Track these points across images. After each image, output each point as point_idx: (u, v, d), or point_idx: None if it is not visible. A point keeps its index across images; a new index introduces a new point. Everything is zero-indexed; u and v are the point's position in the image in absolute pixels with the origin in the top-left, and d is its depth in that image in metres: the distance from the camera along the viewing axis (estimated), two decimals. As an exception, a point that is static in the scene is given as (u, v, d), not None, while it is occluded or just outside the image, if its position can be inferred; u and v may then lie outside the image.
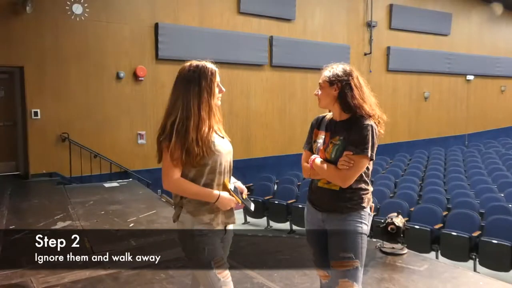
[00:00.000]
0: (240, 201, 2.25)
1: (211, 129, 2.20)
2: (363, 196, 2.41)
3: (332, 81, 2.41)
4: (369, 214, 2.46)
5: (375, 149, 2.38)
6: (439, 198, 7.54)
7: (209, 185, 2.20)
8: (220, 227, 2.24)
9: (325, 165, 2.40)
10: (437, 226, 6.36)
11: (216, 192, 2.19)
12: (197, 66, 2.21)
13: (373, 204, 2.55)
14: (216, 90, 2.24)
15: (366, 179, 2.44)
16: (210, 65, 2.23)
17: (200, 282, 2.26)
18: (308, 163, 2.50)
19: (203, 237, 2.16)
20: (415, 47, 14.71)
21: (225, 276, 2.19)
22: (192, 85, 2.17)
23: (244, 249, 4.66)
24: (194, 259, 2.19)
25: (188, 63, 2.24)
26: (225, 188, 2.24)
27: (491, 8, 15.83)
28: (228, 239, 2.33)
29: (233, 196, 2.23)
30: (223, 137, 2.28)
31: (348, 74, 2.44)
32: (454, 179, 9.50)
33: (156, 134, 2.24)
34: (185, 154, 2.11)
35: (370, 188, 2.49)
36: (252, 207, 2.32)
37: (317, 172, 2.44)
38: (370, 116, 2.40)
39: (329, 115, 2.58)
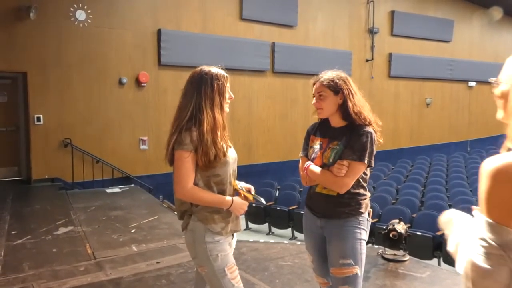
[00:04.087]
0: (252, 198, 2.27)
1: (226, 131, 2.22)
2: (361, 201, 2.40)
3: (337, 90, 2.39)
4: (367, 219, 2.45)
5: (374, 155, 2.37)
6: (441, 204, 7.52)
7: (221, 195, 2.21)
8: (230, 235, 2.25)
9: (320, 171, 2.39)
10: (439, 233, 6.33)
11: (229, 198, 2.19)
12: (209, 70, 2.21)
13: (371, 210, 2.54)
14: (227, 95, 2.24)
15: (364, 184, 2.44)
16: (222, 71, 2.25)
17: None
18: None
19: (215, 244, 2.16)
20: (417, 54, 14.76)
21: (238, 282, 2.21)
22: (204, 88, 2.16)
23: (246, 255, 4.66)
24: (207, 267, 2.17)
25: (199, 68, 2.24)
26: (234, 190, 2.25)
27: (491, 13, 15.88)
28: (233, 245, 2.34)
29: (244, 195, 2.25)
30: (230, 146, 2.28)
31: (347, 82, 2.44)
32: (456, 185, 9.49)
33: (166, 139, 2.22)
34: (203, 158, 2.09)
35: (368, 194, 2.49)
36: (263, 200, 2.35)
37: (313, 178, 2.43)
38: (369, 124, 2.41)
39: (324, 121, 2.55)
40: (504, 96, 1.19)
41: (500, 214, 1.05)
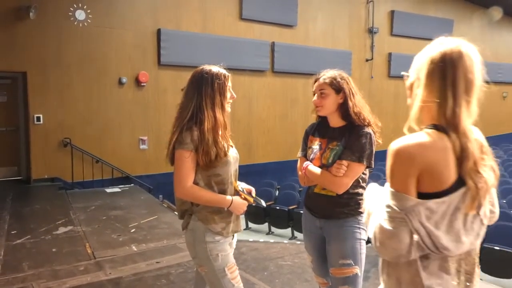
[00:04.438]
0: (252, 201, 2.27)
1: (227, 130, 2.21)
2: (360, 201, 2.38)
3: (339, 89, 2.38)
4: None
5: (373, 156, 2.37)
6: (441, 204, 7.51)
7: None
8: (230, 235, 2.25)
9: (319, 172, 2.38)
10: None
11: (229, 197, 2.19)
12: (210, 69, 2.21)
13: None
14: (228, 94, 2.23)
15: (363, 184, 2.43)
16: (223, 70, 2.24)
17: None
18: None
19: (215, 243, 2.16)
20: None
21: (238, 282, 2.21)
22: (205, 87, 2.16)
23: (245, 255, 4.66)
24: (207, 266, 2.17)
25: (200, 67, 2.23)
26: (235, 190, 2.25)
27: (491, 13, 15.88)
28: (233, 245, 2.34)
29: (244, 197, 2.24)
30: (232, 146, 2.28)
31: (348, 82, 2.43)
32: (456, 185, 9.47)
33: (166, 138, 2.21)
34: (204, 157, 2.09)
35: None
36: (264, 203, 2.34)
37: (312, 179, 2.42)
38: (369, 124, 2.40)
39: (323, 121, 2.55)
40: (411, 86, 1.44)
41: (400, 185, 1.30)
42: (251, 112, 11.26)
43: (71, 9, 8.67)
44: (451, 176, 1.29)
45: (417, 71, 1.42)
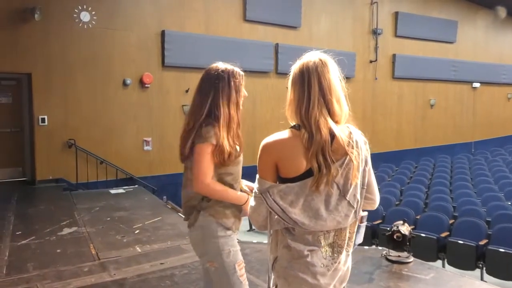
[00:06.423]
0: None
1: (240, 128, 2.22)
2: None
3: None
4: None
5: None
6: (446, 206, 7.49)
7: None
8: (236, 232, 2.25)
9: None
10: (443, 234, 6.31)
11: (245, 194, 2.19)
12: (225, 67, 2.22)
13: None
14: (242, 93, 2.25)
15: None
16: (238, 69, 2.27)
17: (220, 286, 2.22)
18: None
19: (227, 238, 2.15)
20: (421, 55, 14.72)
21: (245, 280, 2.21)
22: (222, 84, 2.17)
23: (249, 256, 4.65)
24: (218, 262, 2.15)
25: (215, 65, 2.24)
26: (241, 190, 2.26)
27: (495, 13, 15.82)
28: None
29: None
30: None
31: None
32: (461, 187, 9.44)
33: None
34: (219, 155, 2.09)
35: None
36: None
37: None
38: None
39: None
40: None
41: (262, 172, 1.65)
42: (255, 113, 11.26)
43: (75, 10, 8.71)
44: (302, 166, 1.57)
45: (287, 82, 1.71)
